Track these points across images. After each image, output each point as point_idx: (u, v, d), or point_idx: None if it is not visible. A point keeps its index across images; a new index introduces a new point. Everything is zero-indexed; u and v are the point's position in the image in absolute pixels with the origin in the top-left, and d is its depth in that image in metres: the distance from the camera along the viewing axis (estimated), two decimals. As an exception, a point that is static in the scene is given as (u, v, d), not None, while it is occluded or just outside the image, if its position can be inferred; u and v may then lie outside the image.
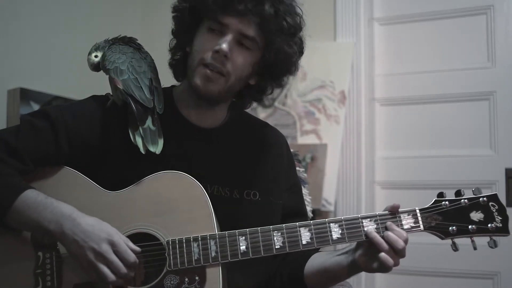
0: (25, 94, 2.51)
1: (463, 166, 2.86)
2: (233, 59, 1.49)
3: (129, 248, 1.37)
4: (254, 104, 2.98)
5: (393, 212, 1.45)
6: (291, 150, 1.92)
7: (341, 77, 2.99)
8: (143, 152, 1.46)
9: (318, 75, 3.02)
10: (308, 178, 2.55)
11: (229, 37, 1.48)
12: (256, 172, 1.61)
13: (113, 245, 1.36)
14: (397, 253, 1.41)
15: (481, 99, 2.89)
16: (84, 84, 2.38)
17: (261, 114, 3.04)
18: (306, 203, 2.34)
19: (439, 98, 2.97)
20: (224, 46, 1.46)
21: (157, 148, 1.47)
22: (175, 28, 1.60)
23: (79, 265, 1.39)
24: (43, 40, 2.69)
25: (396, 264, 1.42)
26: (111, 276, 1.35)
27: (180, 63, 1.61)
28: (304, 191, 2.35)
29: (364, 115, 3.00)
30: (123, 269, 1.35)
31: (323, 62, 3.01)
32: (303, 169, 2.38)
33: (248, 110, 1.75)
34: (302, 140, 2.98)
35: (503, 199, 2.70)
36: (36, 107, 2.54)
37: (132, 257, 1.37)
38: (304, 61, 2.99)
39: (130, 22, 3.17)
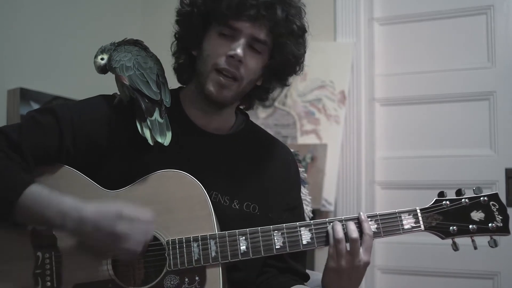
0: (25, 94, 2.51)
1: (463, 166, 2.86)
2: (246, 63, 1.49)
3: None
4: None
5: (393, 212, 1.45)
6: (291, 150, 1.92)
7: (341, 77, 2.99)
8: (151, 143, 1.44)
9: (318, 75, 3.01)
10: (308, 178, 2.55)
11: (242, 41, 1.48)
12: (259, 186, 1.59)
13: (121, 218, 1.35)
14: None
15: (481, 99, 2.89)
16: (84, 84, 2.38)
17: (261, 114, 3.04)
18: (306, 203, 2.34)
19: (439, 98, 2.97)
20: (239, 51, 1.46)
21: (165, 139, 1.46)
22: (180, 31, 1.57)
23: (80, 268, 1.39)
24: (43, 40, 2.69)
25: (346, 263, 1.42)
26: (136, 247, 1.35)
27: (185, 66, 1.60)
28: (304, 191, 2.35)
29: (364, 115, 3.00)
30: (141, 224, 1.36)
31: (323, 62, 3.01)
32: (303, 169, 2.37)
33: (248, 111, 1.74)
34: (302, 140, 2.98)
35: (503, 199, 2.70)
36: (36, 107, 2.54)
37: (147, 212, 1.38)
38: (304, 61, 3.03)
39: (130, 23, 3.17)
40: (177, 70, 1.62)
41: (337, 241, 1.41)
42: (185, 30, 1.55)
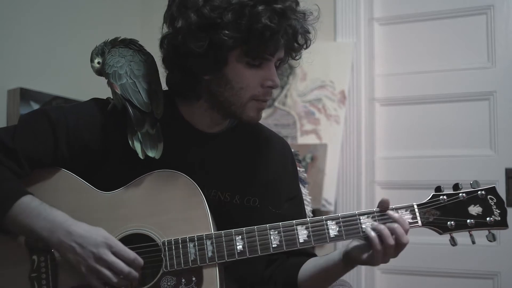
0: (25, 94, 2.52)
1: (463, 166, 2.86)
2: None
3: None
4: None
5: (391, 209, 1.44)
6: (291, 150, 1.92)
7: (341, 77, 2.99)
8: (142, 157, 1.43)
9: (318, 75, 3.02)
10: (308, 178, 2.55)
11: (274, 68, 1.47)
12: (258, 180, 1.59)
13: (110, 247, 1.36)
14: (387, 252, 1.40)
15: (481, 99, 2.89)
16: (84, 85, 2.38)
17: (261, 114, 3.04)
18: (306, 203, 2.34)
19: (439, 98, 2.96)
20: (278, 81, 1.47)
21: (156, 152, 1.44)
22: (192, 54, 1.42)
23: (76, 270, 1.38)
24: (43, 40, 2.70)
25: (384, 261, 1.41)
26: (113, 278, 1.35)
27: (189, 87, 1.52)
28: (304, 191, 2.35)
29: (364, 115, 3.00)
30: (125, 268, 1.36)
31: (323, 62, 3.01)
32: (303, 169, 2.37)
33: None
34: (302, 140, 2.98)
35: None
36: (36, 107, 2.55)
37: (132, 254, 1.37)
38: (304, 61, 3.03)
39: (130, 23, 3.17)
40: (176, 89, 1.55)
41: (387, 246, 1.40)
42: (200, 55, 1.42)
